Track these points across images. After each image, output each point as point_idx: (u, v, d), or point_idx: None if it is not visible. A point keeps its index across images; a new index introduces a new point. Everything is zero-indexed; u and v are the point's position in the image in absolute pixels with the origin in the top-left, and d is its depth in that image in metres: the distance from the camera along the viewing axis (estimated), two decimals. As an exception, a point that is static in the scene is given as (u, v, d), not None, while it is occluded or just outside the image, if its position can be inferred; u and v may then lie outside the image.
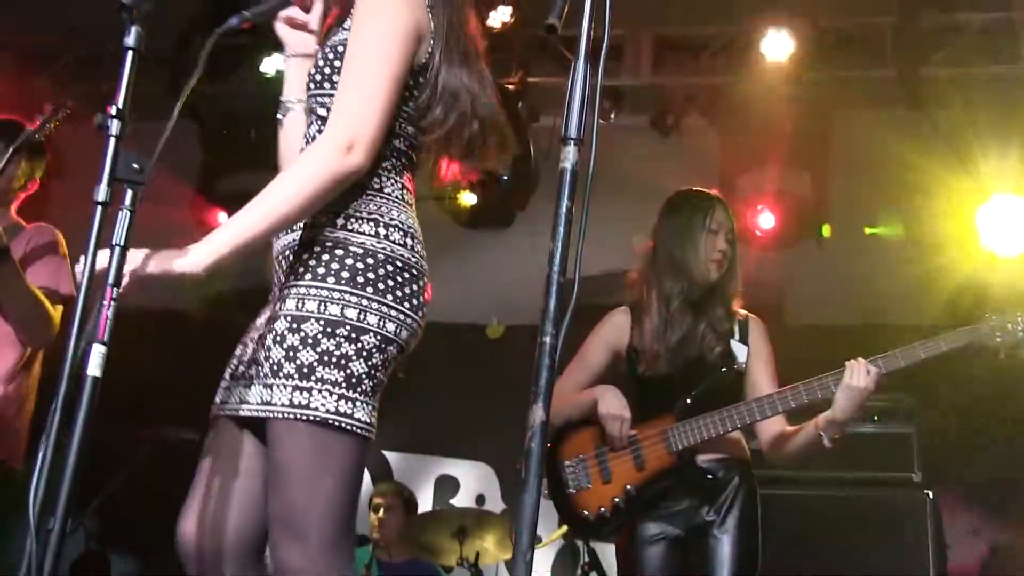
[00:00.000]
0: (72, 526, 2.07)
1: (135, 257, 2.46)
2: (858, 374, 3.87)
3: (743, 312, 4.28)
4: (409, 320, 2.76)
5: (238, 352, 2.86)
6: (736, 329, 4.22)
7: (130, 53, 2.40)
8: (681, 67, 7.58)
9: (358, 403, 2.65)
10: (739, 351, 4.19)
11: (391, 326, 2.71)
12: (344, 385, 2.63)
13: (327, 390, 2.61)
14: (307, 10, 2.96)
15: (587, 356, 4.32)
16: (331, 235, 2.71)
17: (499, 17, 6.91)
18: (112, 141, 2.31)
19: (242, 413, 2.73)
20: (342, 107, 2.72)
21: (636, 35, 7.47)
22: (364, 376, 2.66)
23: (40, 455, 2.16)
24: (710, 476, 4.06)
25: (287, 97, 3.06)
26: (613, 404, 4.09)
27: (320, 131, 2.80)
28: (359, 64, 2.74)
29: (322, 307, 2.65)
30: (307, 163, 2.70)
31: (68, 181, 4.22)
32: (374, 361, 2.69)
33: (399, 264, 2.75)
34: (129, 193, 2.33)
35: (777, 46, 6.75)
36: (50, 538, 2.13)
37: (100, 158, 2.34)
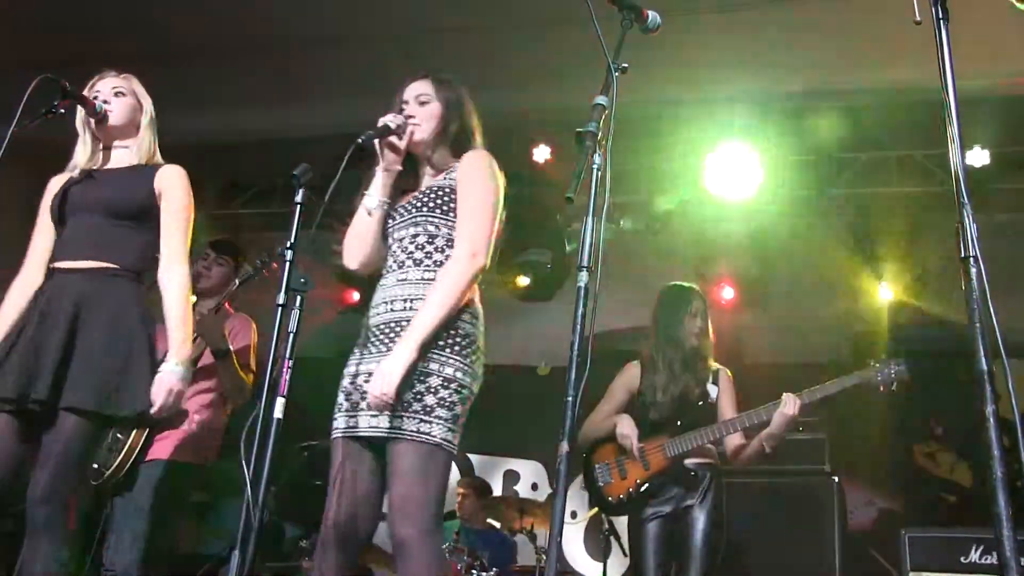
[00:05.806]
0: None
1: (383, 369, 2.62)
2: (790, 403, 3.93)
3: (716, 364, 4.30)
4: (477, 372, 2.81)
5: (349, 390, 2.84)
6: (711, 376, 4.26)
7: (298, 207, 2.50)
8: (666, 190, 7.62)
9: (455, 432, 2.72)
10: (712, 391, 4.23)
11: (468, 379, 2.77)
12: (450, 420, 2.70)
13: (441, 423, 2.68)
14: (400, 139, 2.92)
15: (612, 395, 4.38)
16: None
17: (541, 155, 6.92)
18: (288, 265, 2.41)
19: (368, 433, 2.73)
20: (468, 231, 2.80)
21: (636, 168, 7.55)
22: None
23: (249, 470, 2.26)
24: (693, 473, 4.10)
25: (381, 197, 2.95)
26: (626, 428, 4.18)
27: (429, 240, 2.83)
28: (476, 205, 2.83)
29: (440, 367, 2.70)
30: (455, 269, 2.75)
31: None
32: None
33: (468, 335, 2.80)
34: (299, 298, 2.44)
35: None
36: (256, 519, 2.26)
37: (280, 272, 2.45)
